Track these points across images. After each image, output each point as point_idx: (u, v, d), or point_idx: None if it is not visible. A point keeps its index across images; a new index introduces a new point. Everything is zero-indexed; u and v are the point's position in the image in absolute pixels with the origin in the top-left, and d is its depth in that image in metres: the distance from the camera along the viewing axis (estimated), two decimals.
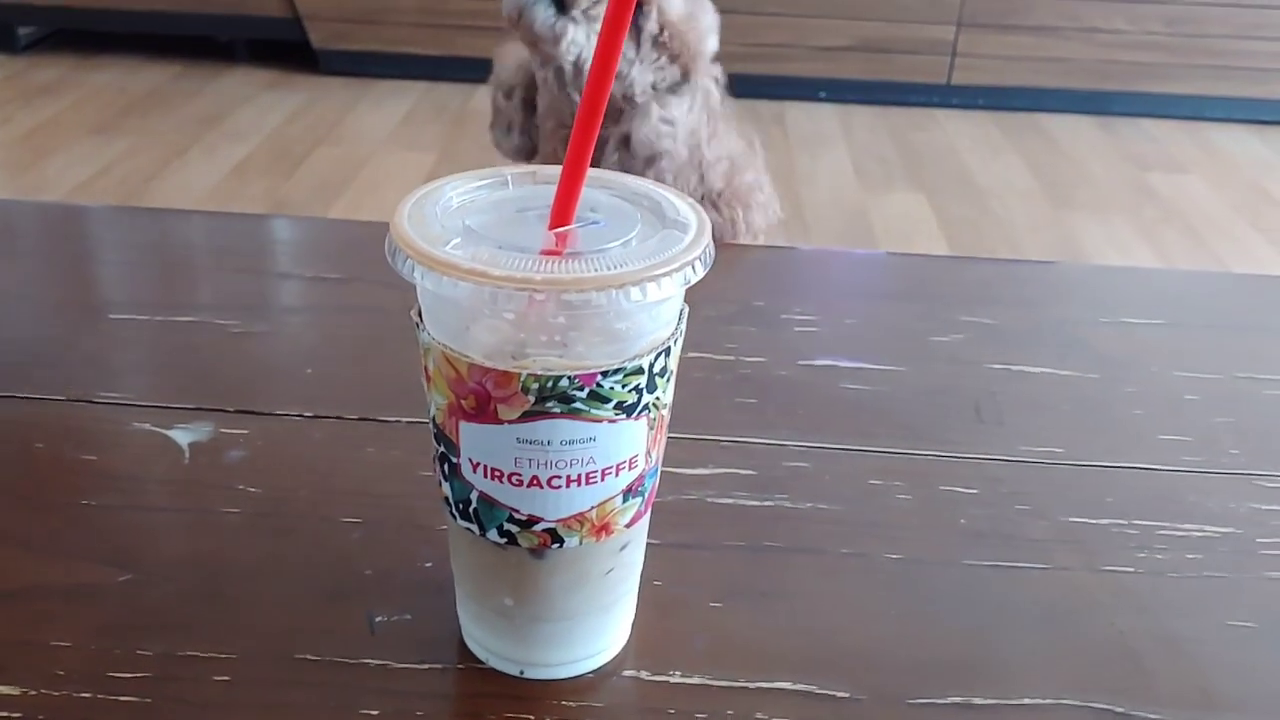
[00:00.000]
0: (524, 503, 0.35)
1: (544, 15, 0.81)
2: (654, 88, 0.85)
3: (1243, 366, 0.62)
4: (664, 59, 0.85)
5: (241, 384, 0.56)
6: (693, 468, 0.51)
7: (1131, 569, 0.47)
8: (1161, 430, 0.56)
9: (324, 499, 0.48)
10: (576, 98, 0.87)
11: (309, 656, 0.40)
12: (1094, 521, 0.49)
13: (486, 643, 0.40)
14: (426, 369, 0.36)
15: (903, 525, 0.49)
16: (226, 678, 0.39)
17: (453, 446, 0.36)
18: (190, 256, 0.73)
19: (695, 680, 0.40)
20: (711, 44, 0.87)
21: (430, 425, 0.37)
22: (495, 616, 0.39)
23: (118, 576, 0.43)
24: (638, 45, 0.84)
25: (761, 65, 2.64)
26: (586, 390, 0.33)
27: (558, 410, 0.34)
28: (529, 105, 0.94)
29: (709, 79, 0.86)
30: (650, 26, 0.83)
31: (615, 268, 0.32)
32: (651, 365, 0.35)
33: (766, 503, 0.49)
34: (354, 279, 0.68)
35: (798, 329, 0.64)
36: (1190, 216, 2.14)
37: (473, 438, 0.35)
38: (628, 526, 0.37)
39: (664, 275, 0.33)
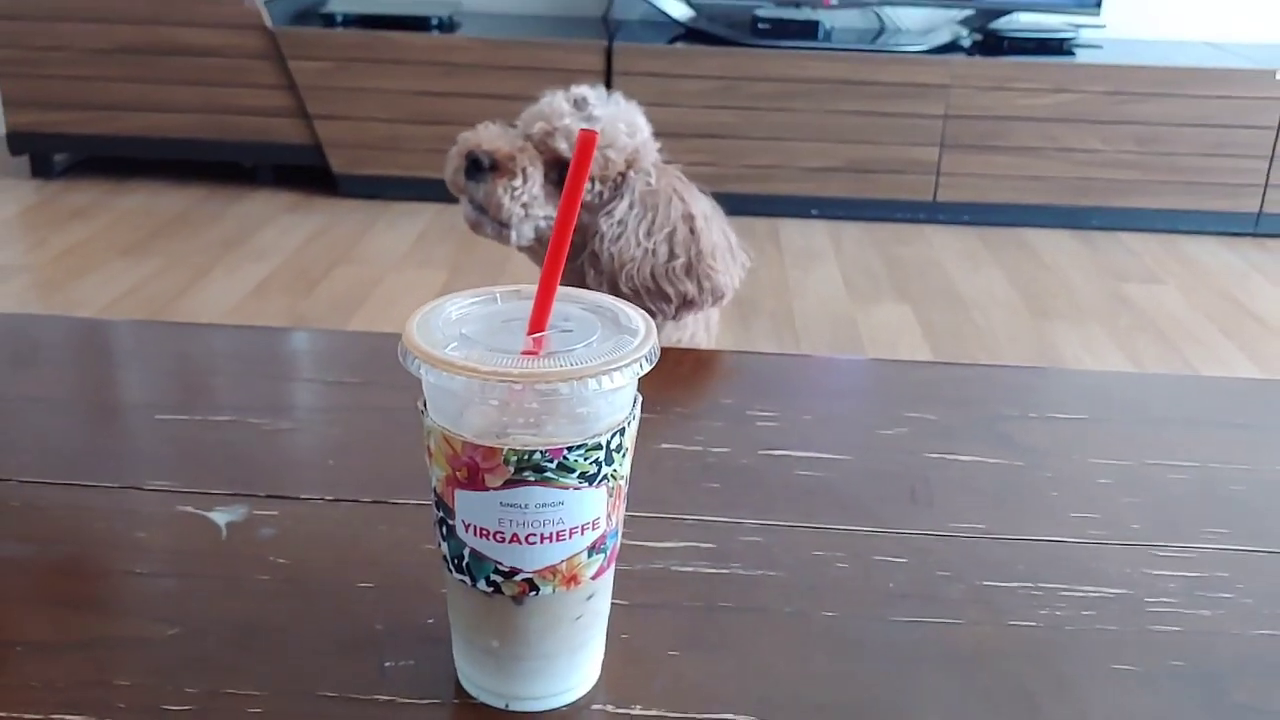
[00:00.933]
0: (506, 556, 0.44)
1: (492, 229, 0.98)
2: (596, 205, 0.96)
3: (1152, 455, 0.71)
4: (605, 192, 0.96)
5: (271, 473, 0.65)
6: (660, 541, 0.59)
7: (1033, 623, 0.54)
8: (1073, 509, 0.64)
9: (342, 568, 0.56)
10: (542, 251, 0.98)
11: (329, 694, 0.48)
12: (1005, 585, 0.57)
13: (477, 680, 0.48)
14: (429, 448, 0.44)
15: (838, 589, 0.56)
16: (259, 710, 0.47)
17: (449, 511, 0.44)
18: (224, 365, 0.82)
19: (654, 713, 0.47)
20: (640, 139, 0.97)
21: (432, 495, 0.46)
22: (484, 656, 0.47)
23: (167, 631, 0.51)
24: (581, 203, 0.95)
25: (756, 185, 2.78)
26: (555, 462, 0.42)
27: (533, 479, 0.42)
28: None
29: (647, 163, 0.96)
30: (584, 185, 0.94)
31: (578, 364, 0.41)
32: (609, 442, 0.43)
33: (722, 570, 0.57)
34: (369, 383, 0.77)
35: (760, 424, 0.73)
36: (1163, 324, 2.24)
37: (465, 502, 0.43)
38: (593, 579, 0.46)
39: (615, 370, 0.42)
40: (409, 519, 0.61)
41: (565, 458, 0.42)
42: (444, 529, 0.45)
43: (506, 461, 0.42)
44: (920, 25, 3.04)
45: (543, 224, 0.95)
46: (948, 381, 0.84)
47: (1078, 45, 2.89)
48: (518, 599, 0.45)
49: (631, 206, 0.94)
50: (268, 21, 2.71)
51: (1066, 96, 2.75)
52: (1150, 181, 2.80)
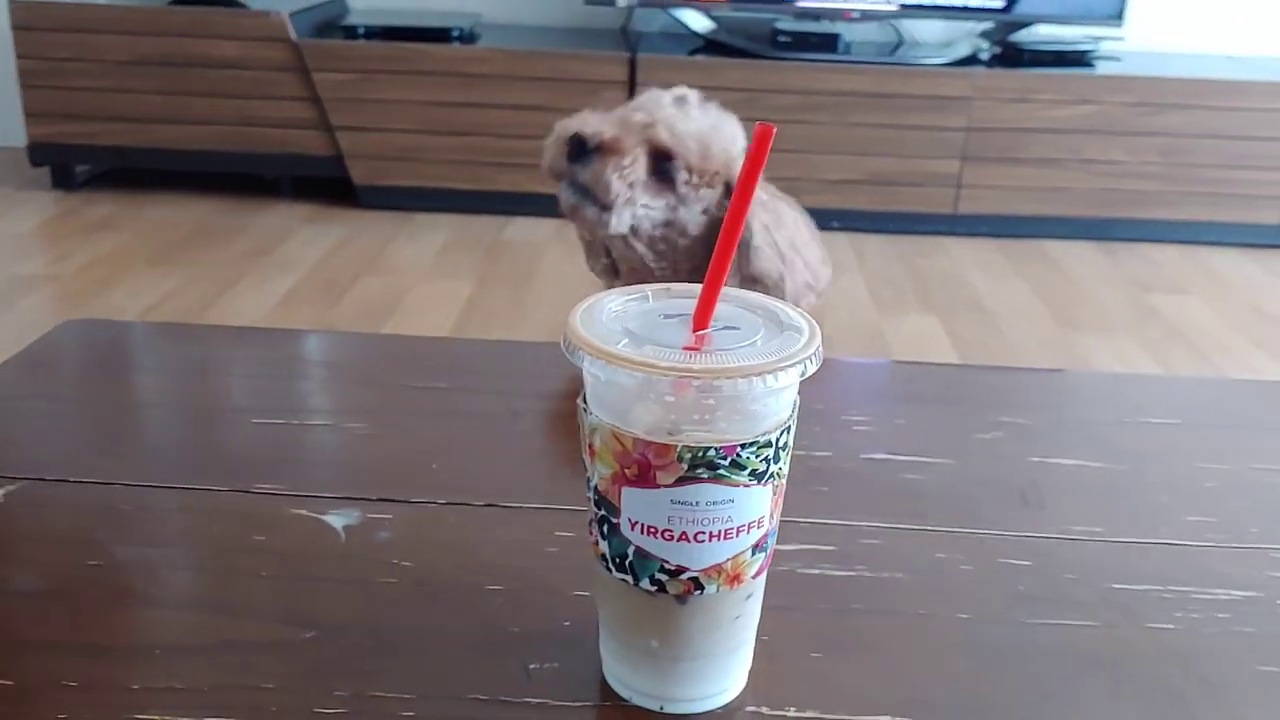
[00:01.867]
0: (674, 555, 0.43)
1: (592, 212, 0.94)
2: (704, 214, 0.96)
3: (1253, 460, 0.70)
4: (702, 190, 0.95)
5: (378, 477, 0.64)
6: (782, 544, 0.59)
7: (1171, 626, 0.54)
8: (1187, 513, 0.64)
9: (467, 571, 0.56)
10: (641, 249, 0.97)
11: (479, 696, 0.47)
12: (1134, 588, 0.57)
13: (631, 681, 0.47)
14: (591, 445, 0.44)
15: (966, 592, 0.56)
16: (411, 713, 0.46)
17: (614, 509, 0.44)
18: (308, 370, 0.81)
19: (809, 714, 0.47)
20: (739, 146, 0.97)
21: (590, 494, 0.45)
22: (640, 657, 0.46)
23: (302, 634, 0.51)
24: (676, 193, 0.94)
25: None
26: (729, 459, 0.42)
27: (705, 476, 0.42)
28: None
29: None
30: (681, 176, 0.94)
31: (752, 360, 0.41)
32: (777, 440, 0.43)
33: (848, 573, 0.57)
34: (457, 389, 0.77)
35: (856, 428, 0.73)
36: (1191, 334, 2.24)
37: (633, 500, 0.43)
38: (753, 578, 0.45)
39: (791, 365, 0.41)
40: (526, 522, 0.60)
41: (739, 455, 0.42)
42: (605, 527, 0.44)
43: (680, 459, 0.41)
44: (939, 38, 3.06)
45: (640, 212, 0.94)
46: (1031, 387, 0.84)
47: (1098, 57, 2.90)
48: (681, 598, 0.44)
49: (764, 224, 0.95)
50: (292, 34, 2.71)
51: (1088, 108, 2.75)
52: (1172, 193, 2.81)
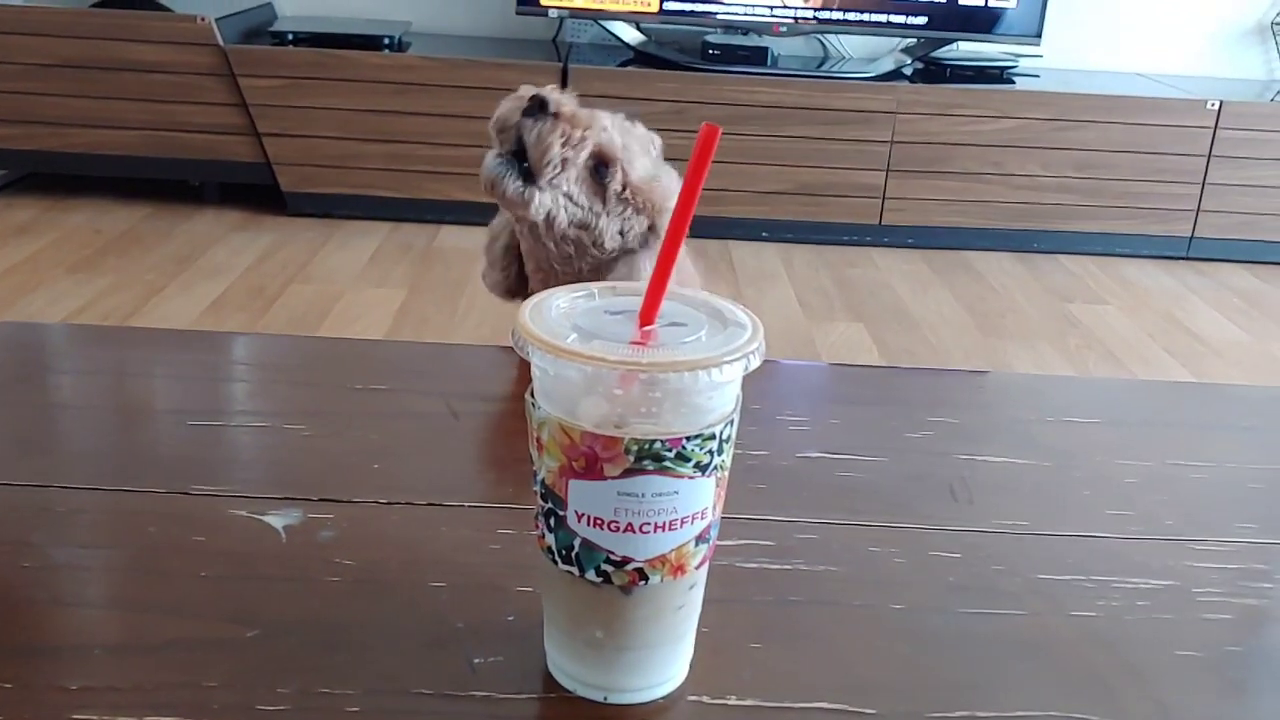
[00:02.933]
0: (619, 545, 0.44)
1: (514, 186, 0.91)
2: (621, 235, 0.95)
3: (1172, 456, 0.73)
4: (629, 211, 0.95)
5: (320, 478, 0.64)
6: (722, 539, 0.60)
7: (1094, 614, 0.56)
8: (1108, 507, 0.66)
9: (411, 568, 0.56)
10: (551, 246, 0.96)
11: (424, 691, 0.47)
12: (1058, 578, 0.59)
13: (575, 673, 0.48)
14: (539, 439, 0.45)
15: (901, 583, 0.58)
16: (356, 708, 0.46)
17: (560, 502, 0.44)
18: (245, 372, 0.81)
19: (749, 703, 0.48)
20: (672, 184, 0.97)
21: (537, 488, 0.46)
22: (585, 648, 0.47)
23: (246, 632, 0.51)
24: (604, 201, 0.94)
25: (708, 208, 2.81)
26: (674, 451, 0.43)
27: (651, 468, 0.43)
28: (511, 250, 1.03)
29: (669, 205, 0.97)
30: (615, 185, 0.94)
31: (697, 354, 0.42)
32: (720, 433, 0.44)
33: (785, 566, 0.58)
34: (397, 390, 0.77)
35: (792, 428, 0.74)
36: (1110, 342, 2.31)
37: (580, 492, 0.44)
38: (696, 568, 0.46)
39: (734, 360, 0.42)
40: (468, 520, 0.61)
41: (684, 447, 0.43)
42: (552, 520, 0.45)
43: (627, 451, 0.42)
44: (864, 53, 3.12)
45: (562, 200, 0.92)
46: (960, 388, 0.87)
47: (1017, 74, 2.98)
48: (626, 589, 0.45)
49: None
50: (219, 39, 2.67)
51: (1008, 123, 2.83)
52: (1088, 206, 2.90)
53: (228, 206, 2.82)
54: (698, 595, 0.48)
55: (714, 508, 0.46)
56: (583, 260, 0.96)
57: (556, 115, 0.91)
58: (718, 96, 2.80)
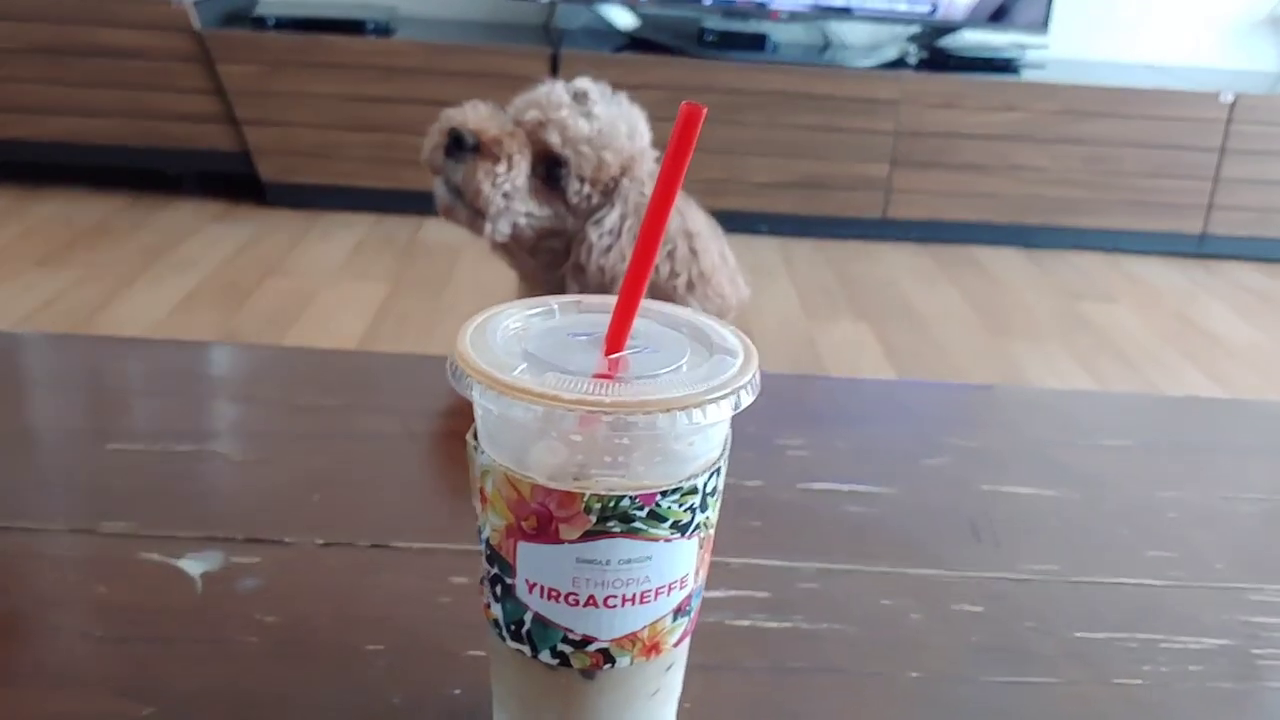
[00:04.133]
0: (579, 623, 0.36)
1: (463, 214, 0.89)
2: (584, 210, 0.88)
3: (1215, 487, 0.65)
4: (596, 197, 0.88)
5: (248, 513, 0.56)
6: (710, 589, 0.52)
7: (1139, 681, 0.48)
8: (1148, 547, 0.58)
9: (344, 627, 0.48)
10: (527, 258, 0.90)
11: None
12: (1097, 636, 0.51)
13: None
14: (483, 490, 0.36)
15: (918, 645, 0.50)
16: None
17: (508, 568, 0.36)
18: (178, 385, 0.72)
19: None
20: (639, 144, 0.89)
21: (483, 548, 0.38)
22: None
23: (141, 710, 0.42)
24: (566, 203, 0.87)
25: (704, 200, 2.71)
26: (646, 510, 0.35)
27: (618, 530, 0.34)
28: None
29: (642, 170, 0.88)
30: (572, 185, 0.86)
31: (676, 391, 0.34)
32: (704, 485, 0.36)
33: (784, 624, 0.50)
34: (348, 406, 0.69)
35: (791, 453, 0.66)
36: (1121, 344, 2.23)
37: (531, 558, 0.35)
38: (674, 646, 0.38)
39: (722, 398, 0.34)
40: (415, 566, 0.52)
41: (658, 505, 0.35)
42: (498, 588, 0.37)
43: (588, 509, 0.34)
44: (866, 41, 3.03)
45: (522, 221, 0.86)
46: (976, 405, 0.78)
47: (1023, 64, 2.89)
48: (588, 672, 0.37)
49: (624, 217, 0.86)
50: (195, 23, 2.58)
51: (1015, 115, 2.75)
52: (1096, 200, 2.81)
53: (205, 197, 2.73)
54: (676, 677, 0.40)
55: (696, 574, 0.37)
56: (564, 264, 0.89)
57: (478, 148, 0.84)
58: (715, 84, 2.71)
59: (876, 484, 0.63)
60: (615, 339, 0.37)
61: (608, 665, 0.37)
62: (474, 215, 0.87)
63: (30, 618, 0.48)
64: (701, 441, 0.36)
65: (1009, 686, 0.47)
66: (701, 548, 0.37)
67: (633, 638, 0.36)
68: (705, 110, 0.34)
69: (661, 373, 0.35)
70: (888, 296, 2.42)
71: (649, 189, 0.89)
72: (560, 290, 0.91)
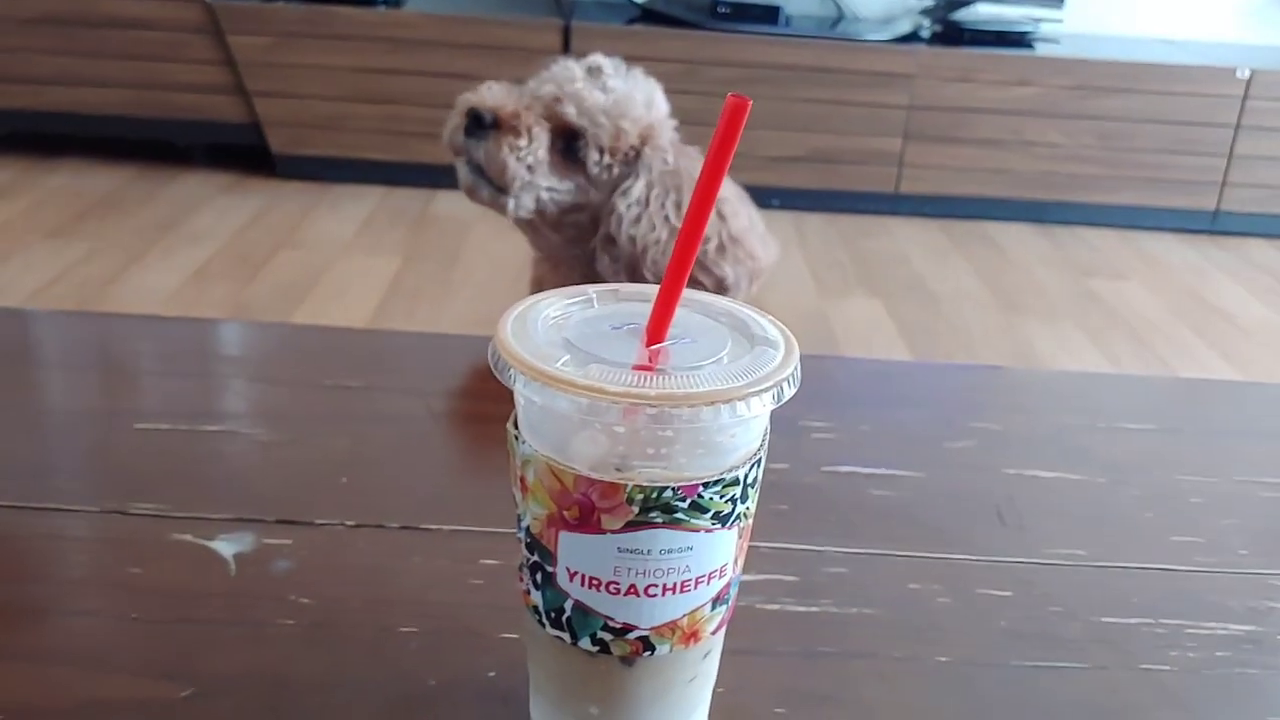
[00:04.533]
0: (620, 611, 0.36)
1: (488, 193, 0.88)
2: (605, 181, 0.88)
3: (1238, 471, 0.65)
4: (615, 166, 0.88)
5: (278, 494, 0.56)
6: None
7: (1166, 667, 0.48)
8: (1173, 532, 0.58)
9: (377, 609, 0.48)
10: (551, 235, 0.90)
11: None
12: (1124, 621, 0.51)
13: None
14: (524, 479, 0.37)
15: (946, 629, 0.50)
16: None
17: (549, 556, 0.36)
18: (203, 365, 0.72)
19: None
20: (656, 113, 0.89)
21: (523, 535, 0.38)
22: None
23: (179, 691, 0.43)
24: (587, 175, 0.87)
25: None
26: (688, 501, 0.35)
27: (660, 520, 0.35)
28: None
29: (663, 140, 0.89)
30: (591, 156, 0.86)
31: (719, 384, 0.34)
32: (745, 476, 0.36)
33: (813, 609, 0.50)
34: (374, 388, 0.69)
35: (816, 435, 0.66)
36: (1133, 322, 2.22)
37: (572, 547, 0.36)
38: (712, 634, 0.38)
39: (764, 391, 0.34)
40: (446, 548, 0.53)
41: (700, 496, 0.35)
42: (539, 576, 0.37)
43: (630, 500, 0.34)
44: (880, 14, 3.00)
45: (544, 195, 0.86)
46: (1001, 387, 0.78)
47: (1037, 39, 2.87)
48: (627, 660, 0.37)
49: (650, 186, 0.86)
50: None
51: (1030, 90, 2.73)
52: (1110, 177, 2.80)
53: (215, 169, 2.72)
54: (712, 663, 0.40)
55: (735, 563, 0.38)
56: (589, 240, 0.89)
57: (497, 125, 0.84)
58: (728, 57, 2.69)
59: (900, 467, 0.63)
60: (657, 330, 0.37)
61: (647, 653, 0.37)
62: (497, 192, 0.87)
63: (66, 600, 0.48)
64: (743, 434, 0.36)
65: (1037, 670, 0.47)
66: (740, 537, 0.37)
67: (672, 626, 0.37)
68: (750, 103, 0.34)
69: (704, 364, 0.35)
70: (900, 272, 2.41)
71: (671, 157, 0.88)
72: (587, 265, 0.91)
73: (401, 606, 0.48)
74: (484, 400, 0.69)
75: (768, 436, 0.38)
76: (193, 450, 0.60)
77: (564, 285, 1.00)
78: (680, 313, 0.38)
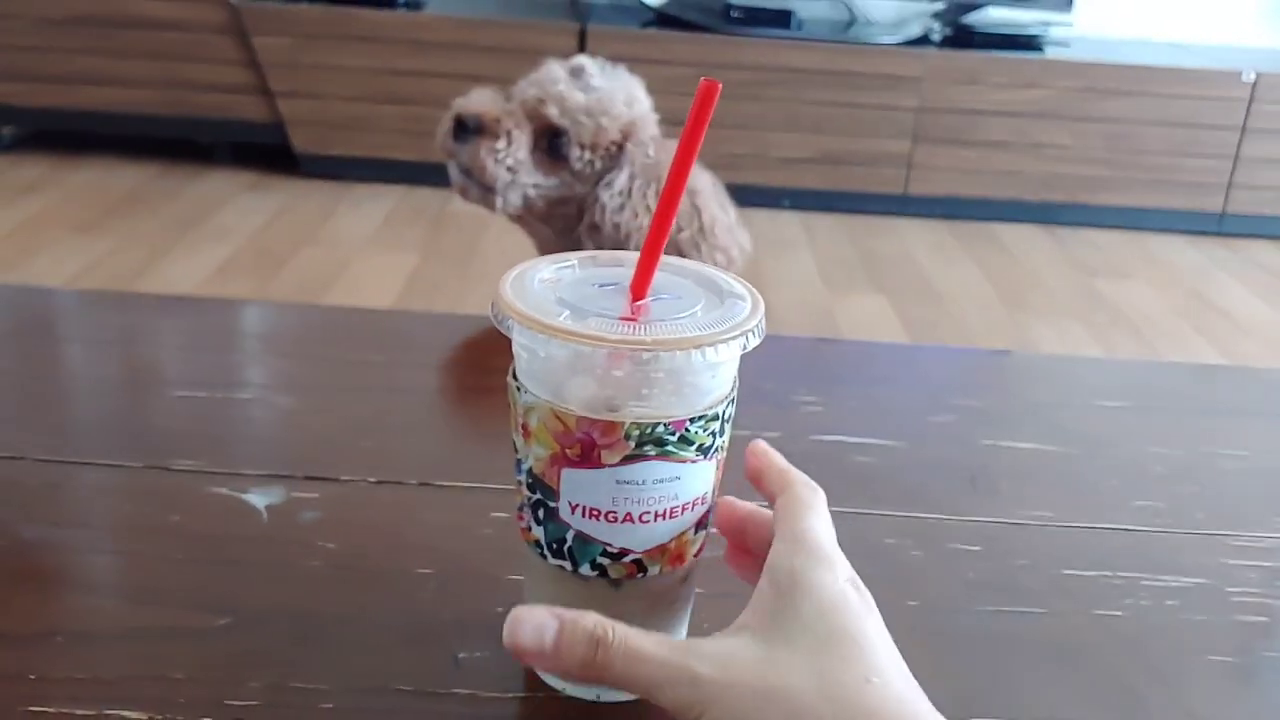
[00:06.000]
0: (617, 537, 0.41)
1: (477, 193, 0.93)
2: (588, 175, 0.93)
3: (1202, 444, 0.70)
4: (599, 164, 0.93)
5: (305, 454, 0.61)
6: None
7: (1120, 613, 0.53)
8: (1136, 498, 0.63)
9: (397, 554, 0.53)
10: (541, 227, 0.95)
11: (404, 687, 0.45)
12: (1083, 574, 0.55)
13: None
14: (525, 425, 0.41)
15: (917, 578, 0.54)
16: (330, 705, 0.43)
17: (551, 492, 0.41)
18: (237, 341, 0.78)
19: None
20: (639, 110, 0.94)
21: (523, 478, 0.42)
22: None
23: (216, 620, 0.48)
24: (571, 171, 0.92)
25: (727, 175, 2.74)
26: (677, 435, 0.40)
27: (653, 453, 0.40)
28: None
29: (645, 135, 0.94)
30: (573, 152, 0.91)
31: (694, 331, 0.39)
32: (722, 413, 0.41)
33: None
34: (391, 362, 0.74)
35: (806, 409, 0.71)
36: (1135, 320, 2.26)
37: (574, 482, 0.40)
38: (694, 556, 0.43)
39: (734, 338, 0.39)
40: (459, 502, 0.57)
41: (688, 430, 0.40)
42: (540, 512, 0.42)
43: (628, 436, 0.39)
44: (891, 18, 3.05)
45: (531, 191, 0.92)
46: (982, 368, 0.83)
47: (1047, 42, 2.91)
48: (619, 583, 0.42)
49: (633, 178, 0.92)
50: None
51: (1038, 92, 2.76)
52: (1117, 179, 2.83)
53: (238, 167, 2.78)
54: (691, 586, 0.45)
55: (714, 492, 0.43)
56: (578, 228, 0.94)
57: (479, 129, 0.90)
58: (740, 60, 2.74)
59: (884, 438, 0.67)
60: (639, 286, 0.41)
61: (640, 574, 0.42)
62: (485, 191, 0.92)
63: (113, 541, 0.53)
64: (720, 375, 0.41)
65: (999, 614, 0.52)
66: (718, 469, 0.42)
67: (662, 549, 0.41)
68: (720, 86, 0.39)
69: (680, 316, 0.40)
70: (907, 271, 2.45)
71: (654, 151, 0.93)
72: (577, 249, 0.97)
73: (418, 552, 0.53)
74: (495, 374, 0.74)
75: (737, 382, 0.43)
76: (227, 415, 0.65)
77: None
78: (659, 275, 0.43)
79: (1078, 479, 0.65)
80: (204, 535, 0.54)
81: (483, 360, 0.75)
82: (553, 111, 0.91)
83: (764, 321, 0.41)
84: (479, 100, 0.93)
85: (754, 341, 0.40)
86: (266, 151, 2.78)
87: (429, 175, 2.77)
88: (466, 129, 0.91)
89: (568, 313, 0.39)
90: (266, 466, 0.59)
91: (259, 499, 0.56)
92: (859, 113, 2.76)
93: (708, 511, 0.43)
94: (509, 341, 0.41)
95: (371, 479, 0.59)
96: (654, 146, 0.93)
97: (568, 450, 0.40)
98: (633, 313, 0.41)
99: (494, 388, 0.72)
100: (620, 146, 0.93)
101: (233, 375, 0.71)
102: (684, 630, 0.46)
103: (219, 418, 0.65)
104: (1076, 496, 0.62)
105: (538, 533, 0.42)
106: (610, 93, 0.93)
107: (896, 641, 0.49)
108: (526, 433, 0.41)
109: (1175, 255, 2.71)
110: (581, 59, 0.97)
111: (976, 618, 0.52)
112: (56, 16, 2.65)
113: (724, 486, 0.45)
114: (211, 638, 0.47)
